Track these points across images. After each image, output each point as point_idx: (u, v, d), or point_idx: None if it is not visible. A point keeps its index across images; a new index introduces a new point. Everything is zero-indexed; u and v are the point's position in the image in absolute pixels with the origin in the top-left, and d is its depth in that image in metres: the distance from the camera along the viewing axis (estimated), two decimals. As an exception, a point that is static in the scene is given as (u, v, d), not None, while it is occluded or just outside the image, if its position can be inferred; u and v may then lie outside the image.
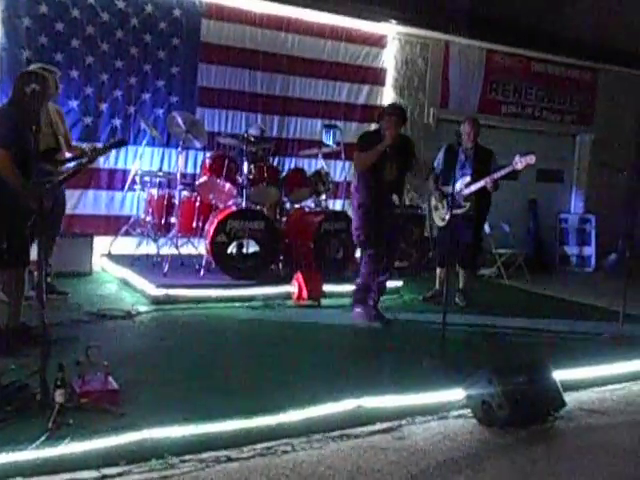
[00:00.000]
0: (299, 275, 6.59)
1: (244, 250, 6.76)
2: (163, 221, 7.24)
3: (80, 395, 3.47)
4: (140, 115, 7.86)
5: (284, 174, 7.57)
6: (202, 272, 6.74)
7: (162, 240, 7.23)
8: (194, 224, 7.18)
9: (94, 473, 2.94)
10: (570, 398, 4.23)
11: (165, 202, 7.24)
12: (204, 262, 6.80)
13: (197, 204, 7.18)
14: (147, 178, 7.44)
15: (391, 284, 7.20)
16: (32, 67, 5.21)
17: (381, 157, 5.70)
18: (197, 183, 7.13)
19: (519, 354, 5.23)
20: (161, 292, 6.16)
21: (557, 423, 3.98)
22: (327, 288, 6.63)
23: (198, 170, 7.95)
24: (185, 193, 7.26)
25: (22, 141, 4.27)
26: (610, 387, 4.74)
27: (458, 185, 6.61)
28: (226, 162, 6.97)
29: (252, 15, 8.48)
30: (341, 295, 6.67)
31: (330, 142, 8.55)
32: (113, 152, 7.61)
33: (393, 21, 9.20)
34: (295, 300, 6.56)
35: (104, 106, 7.78)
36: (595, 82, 11.42)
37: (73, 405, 3.37)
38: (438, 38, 9.81)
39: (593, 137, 11.52)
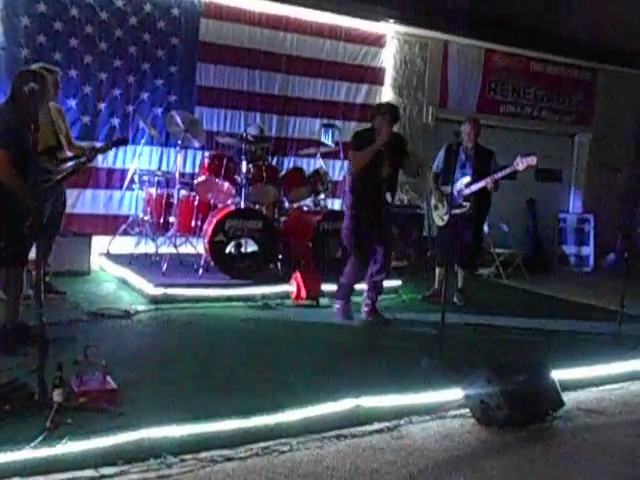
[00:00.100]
0: (297, 274, 6.59)
1: (243, 249, 6.76)
2: (162, 220, 7.24)
3: (78, 394, 3.46)
4: (139, 114, 7.85)
5: (283, 173, 7.57)
6: (200, 271, 6.73)
7: (161, 239, 7.22)
8: (193, 223, 7.17)
9: (92, 472, 2.93)
10: (568, 398, 4.23)
11: (164, 201, 7.25)
12: (203, 261, 6.80)
13: (196, 203, 7.18)
14: (146, 177, 7.43)
15: (390, 283, 7.21)
16: (34, 67, 5.21)
17: (377, 155, 5.70)
18: (196, 182, 7.12)
19: (518, 354, 5.23)
20: (159, 291, 6.16)
21: (555, 423, 3.98)
22: (326, 287, 6.62)
23: (197, 169, 7.94)
24: (184, 192, 7.26)
25: (20, 140, 4.26)
26: (608, 387, 4.74)
27: (458, 185, 6.62)
28: (225, 161, 6.97)
29: (251, 14, 8.48)
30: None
31: (329, 141, 8.56)
32: (112, 151, 7.59)
33: (392, 20, 9.21)
34: (294, 299, 6.55)
35: (103, 105, 7.77)
36: (594, 82, 11.43)
37: (71, 404, 3.37)
38: (437, 38, 9.81)
39: (592, 137, 11.53)
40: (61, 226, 5.99)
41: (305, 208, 7.67)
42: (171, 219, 7.17)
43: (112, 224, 7.81)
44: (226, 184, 6.93)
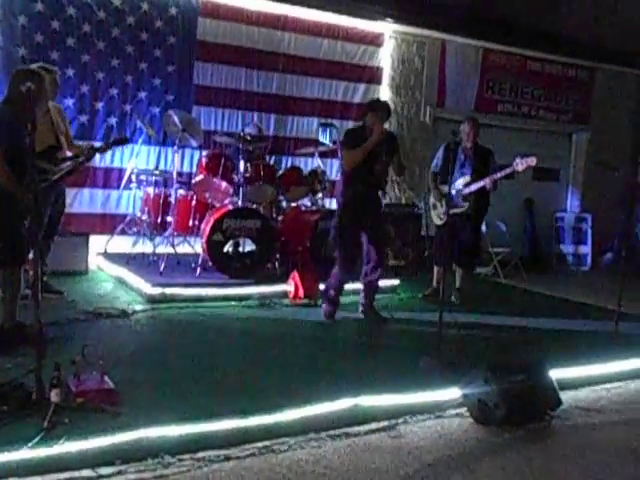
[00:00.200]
0: (295, 274, 6.59)
1: (240, 249, 6.75)
2: (159, 220, 7.23)
3: (76, 394, 3.46)
4: (136, 113, 7.84)
5: (280, 173, 7.57)
6: (198, 271, 6.73)
7: (158, 239, 7.22)
8: (190, 223, 7.17)
9: (90, 472, 2.93)
10: (566, 397, 4.23)
11: (161, 201, 7.23)
12: (200, 261, 6.79)
13: (193, 203, 7.17)
14: (143, 177, 7.42)
15: (388, 282, 7.23)
16: (33, 66, 5.20)
17: (370, 153, 5.70)
18: (193, 182, 7.12)
19: (515, 353, 5.24)
20: (157, 291, 6.15)
21: (553, 422, 3.97)
22: (323, 287, 6.60)
23: (194, 169, 7.94)
24: (181, 192, 7.25)
25: (16, 140, 4.25)
26: (606, 386, 4.75)
27: (457, 184, 6.62)
28: (222, 161, 6.96)
29: (248, 13, 8.47)
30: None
31: (326, 141, 8.52)
32: (109, 150, 7.58)
33: (390, 19, 9.20)
34: (291, 299, 6.55)
35: (100, 104, 7.76)
36: (591, 81, 11.43)
37: (69, 404, 3.36)
38: (435, 37, 9.81)
39: (589, 136, 11.54)
40: (60, 226, 5.99)
41: (303, 207, 7.67)
42: (169, 218, 7.16)
43: (110, 223, 7.81)
44: (224, 183, 6.92)
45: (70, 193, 7.35)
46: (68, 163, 5.16)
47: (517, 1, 9.85)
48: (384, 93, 9.57)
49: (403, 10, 9.13)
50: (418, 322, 5.98)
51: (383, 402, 3.85)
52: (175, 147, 7.19)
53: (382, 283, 6.97)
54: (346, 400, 3.74)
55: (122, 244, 7.59)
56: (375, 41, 9.42)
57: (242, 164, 6.99)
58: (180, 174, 7.45)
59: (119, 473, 2.96)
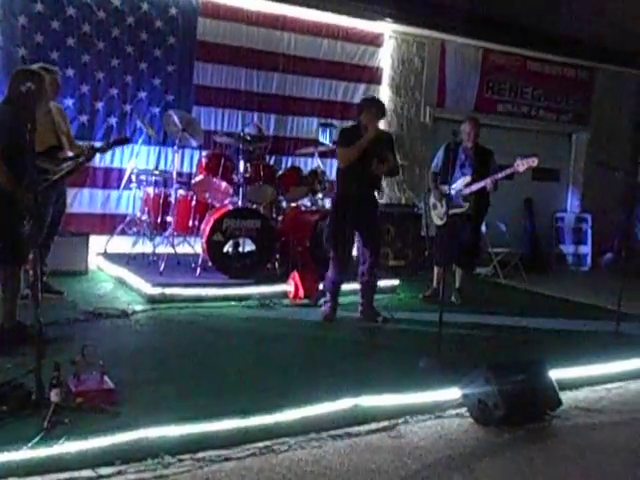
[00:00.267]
0: (295, 274, 6.59)
1: (240, 249, 6.75)
2: (159, 220, 7.23)
3: (76, 394, 3.45)
4: (136, 114, 7.85)
5: (280, 173, 7.57)
6: (198, 271, 6.72)
7: (158, 239, 7.22)
8: (190, 223, 7.17)
9: (90, 473, 2.93)
10: (566, 397, 4.24)
11: (161, 201, 7.23)
12: (200, 261, 6.79)
13: (193, 203, 7.17)
14: (143, 177, 7.42)
15: (388, 283, 7.23)
16: (33, 67, 5.20)
17: (365, 151, 5.70)
18: (193, 182, 7.12)
19: (515, 353, 5.23)
20: (157, 291, 6.15)
21: (553, 422, 3.98)
22: (321, 288, 6.61)
23: (194, 169, 7.94)
24: (181, 192, 7.25)
25: (16, 140, 4.25)
26: (606, 386, 4.74)
27: (458, 184, 6.62)
28: (222, 161, 6.96)
29: (248, 13, 8.48)
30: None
31: (326, 141, 8.55)
32: (109, 150, 7.59)
33: (389, 20, 9.20)
34: (291, 299, 6.55)
35: (100, 104, 7.76)
36: (591, 81, 11.44)
37: (69, 404, 3.36)
38: (434, 37, 9.81)
39: (589, 136, 11.54)
40: (60, 226, 5.99)
41: (303, 207, 7.67)
42: (169, 219, 7.16)
43: (110, 224, 7.81)
44: (224, 183, 6.92)
45: (70, 193, 7.33)
46: (69, 163, 5.16)
47: (517, 1, 9.85)
48: (384, 93, 9.57)
49: (403, 10, 9.13)
50: (418, 322, 5.97)
51: (383, 402, 3.85)
52: (175, 147, 7.19)
53: (382, 283, 7.01)
54: (346, 400, 3.74)
55: (122, 244, 7.58)
56: (375, 41, 9.42)
57: (242, 164, 6.99)
58: (180, 174, 7.45)
59: (119, 473, 2.95)
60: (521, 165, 6.44)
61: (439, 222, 6.94)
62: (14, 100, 4.45)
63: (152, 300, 6.09)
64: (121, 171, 7.87)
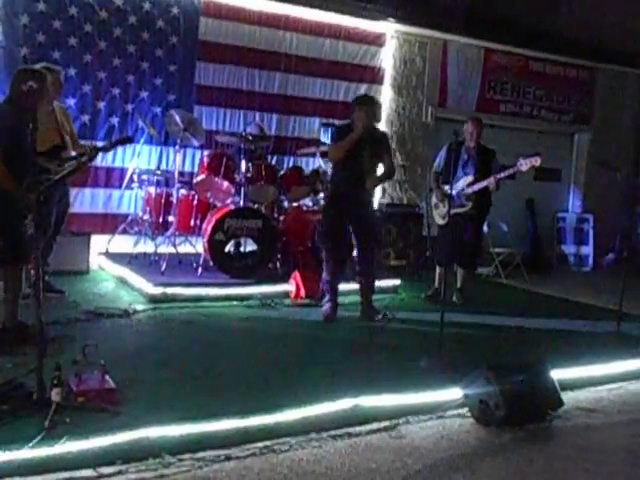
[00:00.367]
0: (297, 274, 6.59)
1: (242, 249, 6.75)
2: (161, 219, 7.23)
3: (77, 394, 3.46)
4: (138, 113, 7.84)
5: (282, 172, 7.58)
6: (200, 271, 6.73)
7: (160, 238, 7.22)
8: (192, 222, 7.17)
9: (91, 472, 2.93)
10: (567, 397, 4.24)
11: (163, 200, 7.24)
12: (202, 261, 6.79)
13: (195, 202, 7.17)
14: (145, 176, 7.42)
15: (389, 283, 7.24)
16: (36, 66, 5.21)
17: (357, 148, 5.70)
18: (195, 181, 7.12)
19: (517, 353, 5.23)
20: (158, 290, 6.15)
21: (554, 422, 3.98)
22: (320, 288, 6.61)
23: (196, 168, 7.94)
24: (183, 191, 7.25)
25: (17, 139, 4.25)
26: (607, 386, 4.75)
27: (461, 184, 6.62)
28: (224, 160, 6.96)
29: (250, 13, 8.47)
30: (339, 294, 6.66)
31: (328, 141, 8.53)
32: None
33: (391, 19, 9.20)
34: (293, 299, 6.56)
35: (102, 104, 7.76)
36: (593, 81, 11.42)
37: (70, 404, 3.36)
38: (436, 37, 9.80)
39: (591, 136, 11.53)
40: (63, 225, 5.99)
41: (304, 207, 7.66)
42: (170, 218, 7.17)
43: (111, 223, 7.81)
44: (225, 183, 6.92)
45: (72, 193, 7.32)
46: (72, 163, 5.16)
47: (518, 1, 9.84)
48: (386, 93, 9.58)
49: (405, 10, 9.13)
50: (419, 322, 5.98)
51: (384, 402, 3.85)
52: (177, 147, 7.20)
53: (383, 283, 7.02)
54: (347, 400, 3.74)
55: (124, 244, 7.58)
56: (377, 41, 9.41)
57: (244, 164, 6.99)
58: (182, 174, 7.44)
59: (120, 473, 2.96)
60: (524, 164, 6.43)
61: (441, 222, 6.93)
62: (15, 99, 4.46)
63: (153, 300, 6.09)
64: (123, 171, 7.87)
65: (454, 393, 4.03)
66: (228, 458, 3.19)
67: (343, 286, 6.23)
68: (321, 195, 7.60)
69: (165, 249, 7.05)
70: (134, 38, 7.84)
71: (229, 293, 6.40)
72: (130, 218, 7.55)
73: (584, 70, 11.26)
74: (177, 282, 6.35)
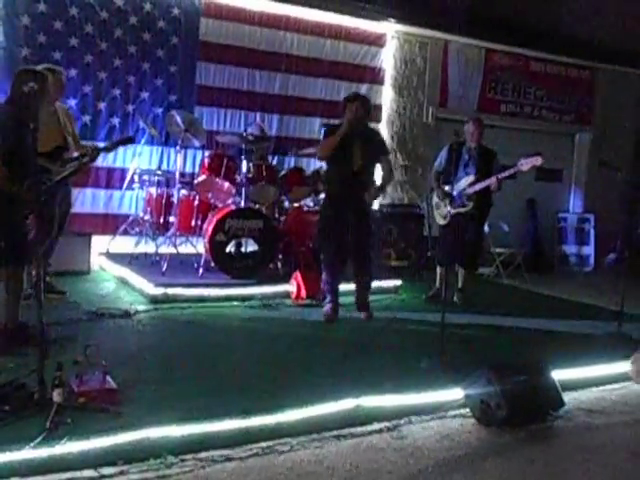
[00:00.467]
0: (298, 274, 6.59)
1: (243, 249, 6.75)
2: (162, 220, 7.24)
3: (78, 394, 3.46)
4: (139, 114, 7.85)
5: (283, 173, 7.58)
6: (201, 271, 6.73)
7: (161, 239, 7.22)
8: (193, 223, 7.17)
9: (92, 473, 2.93)
10: (569, 397, 4.23)
11: (164, 201, 7.24)
12: (203, 261, 6.79)
13: (196, 203, 7.17)
14: (146, 177, 7.43)
15: (390, 283, 7.24)
16: (38, 67, 5.21)
17: (346, 145, 5.70)
18: (196, 182, 7.12)
19: (518, 353, 5.22)
20: (159, 291, 6.15)
21: (556, 423, 3.97)
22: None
23: (197, 169, 7.95)
24: (184, 192, 7.25)
25: (18, 140, 4.25)
26: (609, 387, 4.74)
27: (462, 184, 6.62)
28: (225, 161, 6.97)
29: (251, 14, 8.49)
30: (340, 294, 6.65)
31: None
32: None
33: (392, 20, 9.21)
34: (294, 299, 6.55)
35: (102, 105, 7.77)
36: (594, 81, 11.43)
37: (71, 404, 3.36)
38: (437, 37, 9.81)
39: (592, 136, 11.53)
40: (65, 226, 5.99)
41: (305, 208, 7.66)
42: (171, 219, 7.17)
43: (112, 224, 7.82)
44: (226, 184, 6.92)
45: (72, 193, 7.36)
46: (73, 163, 5.17)
47: (519, 1, 9.84)
48: (386, 94, 9.59)
49: (405, 10, 9.14)
50: (420, 322, 5.97)
51: (385, 403, 3.85)
52: (177, 147, 7.20)
53: (384, 283, 7.04)
54: (348, 400, 3.74)
55: (124, 244, 7.59)
56: (377, 41, 9.42)
57: (245, 164, 6.99)
58: (182, 174, 7.45)
59: (121, 473, 2.96)
60: (525, 164, 6.42)
61: (442, 222, 6.93)
62: (17, 100, 4.45)
63: (154, 300, 6.09)
64: (124, 171, 7.88)
65: (455, 393, 4.02)
66: (229, 458, 3.18)
67: (344, 286, 6.24)
68: (322, 196, 7.60)
69: (166, 249, 7.05)
70: (135, 39, 7.86)
71: (230, 293, 6.40)
72: (131, 218, 7.56)
73: (585, 70, 11.26)
74: (178, 282, 6.35)
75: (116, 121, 7.85)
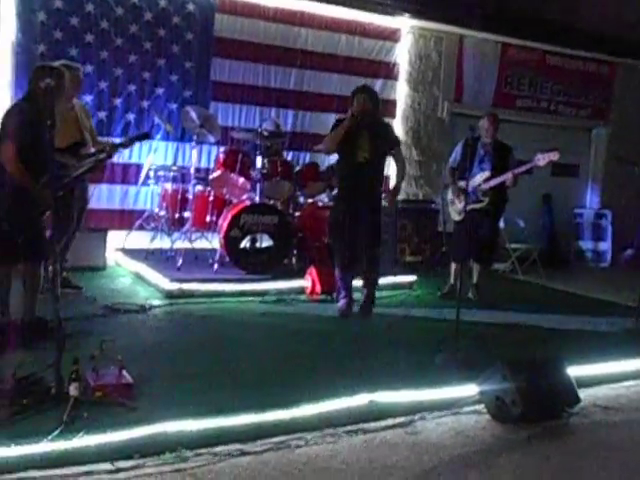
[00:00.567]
0: (312, 269, 6.59)
1: (257, 244, 6.77)
2: (177, 215, 7.27)
3: (94, 389, 3.49)
4: (154, 110, 7.88)
5: (298, 168, 7.58)
6: (216, 266, 6.75)
7: (176, 234, 7.26)
8: (208, 218, 7.19)
9: (108, 466, 2.95)
10: (585, 394, 4.20)
11: (179, 196, 7.27)
12: (218, 256, 6.81)
13: (211, 198, 7.19)
14: (161, 172, 7.46)
15: (405, 279, 7.23)
16: (55, 64, 5.24)
17: (352, 138, 5.69)
18: (211, 177, 7.14)
19: (533, 350, 5.19)
20: (175, 286, 6.18)
21: (571, 419, 3.95)
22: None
23: (212, 164, 7.96)
24: (199, 187, 7.27)
25: (34, 136, 4.28)
26: (625, 383, 4.70)
27: (477, 179, 6.59)
28: (240, 156, 6.98)
29: (265, 9, 8.49)
30: (354, 289, 6.65)
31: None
32: (127, 147, 7.65)
33: (407, 15, 9.17)
34: (308, 294, 6.56)
35: (118, 101, 7.81)
36: (611, 76, 11.31)
37: (87, 398, 3.39)
38: (452, 32, 9.75)
39: (609, 131, 11.42)
40: (82, 222, 6.03)
41: (320, 203, 7.66)
42: (186, 214, 7.20)
43: (128, 219, 7.86)
44: (241, 179, 6.94)
45: (89, 189, 7.41)
46: (90, 160, 5.21)
47: (535, -5, 9.77)
48: (401, 89, 9.56)
49: (420, 5, 9.10)
50: (434, 318, 5.95)
51: (400, 398, 3.85)
52: (193, 143, 7.23)
53: (398, 279, 7.04)
54: (363, 396, 3.74)
55: (140, 240, 7.63)
56: (392, 36, 9.39)
57: (259, 160, 7.00)
58: (198, 170, 7.47)
59: (137, 467, 2.98)
60: (542, 159, 6.38)
61: (457, 218, 6.90)
62: (34, 96, 4.48)
63: (170, 295, 6.13)
64: (139, 167, 7.91)
65: (470, 389, 4.01)
66: (244, 453, 3.20)
67: (358, 282, 6.24)
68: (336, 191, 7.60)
69: (181, 245, 7.09)
70: (150, 35, 7.88)
71: (245, 289, 6.42)
72: (146, 214, 7.60)
73: (602, 65, 11.15)
74: (193, 278, 6.38)
75: (131, 117, 7.89)
